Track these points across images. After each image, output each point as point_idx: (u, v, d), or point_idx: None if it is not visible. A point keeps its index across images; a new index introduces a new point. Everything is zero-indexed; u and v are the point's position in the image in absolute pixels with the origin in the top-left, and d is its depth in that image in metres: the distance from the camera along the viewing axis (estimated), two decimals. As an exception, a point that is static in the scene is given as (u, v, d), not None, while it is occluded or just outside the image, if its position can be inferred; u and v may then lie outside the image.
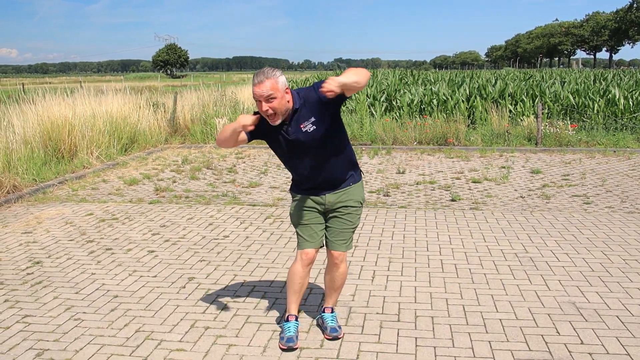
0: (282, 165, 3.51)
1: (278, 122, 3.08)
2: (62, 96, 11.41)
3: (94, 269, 4.93)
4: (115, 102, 12.09)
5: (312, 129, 3.11)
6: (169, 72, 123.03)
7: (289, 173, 3.47)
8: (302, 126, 3.11)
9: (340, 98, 3.04)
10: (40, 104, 10.74)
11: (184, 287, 4.48)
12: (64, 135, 9.84)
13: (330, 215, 3.43)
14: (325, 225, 3.47)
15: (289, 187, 3.54)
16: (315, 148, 3.16)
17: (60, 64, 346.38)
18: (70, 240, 5.79)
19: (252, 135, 3.23)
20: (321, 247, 3.48)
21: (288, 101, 3.07)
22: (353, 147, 3.51)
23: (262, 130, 3.19)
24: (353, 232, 3.50)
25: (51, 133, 9.82)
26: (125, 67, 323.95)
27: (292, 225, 3.56)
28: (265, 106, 3.00)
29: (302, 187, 3.39)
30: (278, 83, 3.02)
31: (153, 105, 13.68)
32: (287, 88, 3.08)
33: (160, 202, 7.38)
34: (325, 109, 3.10)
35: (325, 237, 3.48)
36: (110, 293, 4.37)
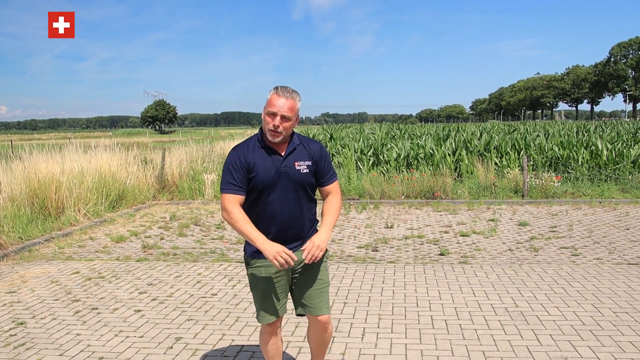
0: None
1: (278, 140, 2.98)
2: (50, 153, 11.44)
3: (79, 329, 4.83)
4: (104, 158, 12.12)
5: (304, 170, 3.06)
6: (157, 127, 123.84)
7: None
8: (296, 164, 3.04)
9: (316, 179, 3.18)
10: (28, 160, 10.75)
11: (171, 347, 4.40)
12: (51, 193, 9.79)
13: (299, 276, 3.19)
14: (293, 289, 3.24)
15: (245, 247, 3.21)
16: (297, 189, 3.07)
17: (49, 120, 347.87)
18: (56, 299, 5.69)
19: (245, 187, 3.04)
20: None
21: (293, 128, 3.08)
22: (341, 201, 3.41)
23: (249, 168, 3.01)
24: (328, 291, 3.28)
25: (38, 190, 9.78)
26: (114, 122, 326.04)
27: (252, 292, 3.25)
28: (277, 121, 2.93)
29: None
30: (296, 107, 2.99)
31: (141, 162, 13.72)
32: (298, 116, 3.08)
33: (147, 259, 7.31)
34: (315, 165, 3.12)
35: (300, 302, 3.23)
36: (96, 354, 4.28)
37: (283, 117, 2.94)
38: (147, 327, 4.87)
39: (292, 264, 2.89)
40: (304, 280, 3.17)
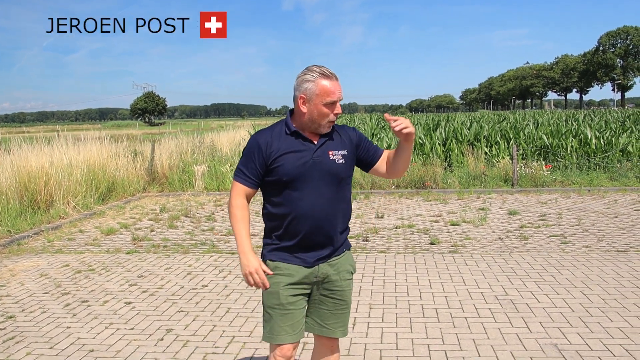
0: (260, 212, 2.92)
1: (329, 130, 2.65)
2: (39, 146, 11.36)
3: (69, 322, 4.81)
4: (93, 150, 12.04)
5: (340, 161, 2.65)
6: (147, 120, 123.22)
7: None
8: (330, 153, 2.63)
9: (359, 161, 2.81)
10: (17, 154, 10.67)
11: (162, 339, 4.39)
12: (40, 186, 9.73)
13: (320, 293, 2.74)
14: (309, 304, 2.78)
15: (263, 252, 2.75)
16: (332, 183, 2.63)
17: (37, 112, 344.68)
18: (45, 293, 5.66)
19: (257, 180, 2.65)
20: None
21: None
22: None
23: (270, 158, 2.58)
24: (349, 312, 2.86)
25: (28, 183, 9.71)
26: (103, 115, 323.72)
27: (264, 305, 2.71)
28: (340, 108, 2.60)
29: (290, 244, 2.63)
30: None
31: (131, 154, 13.65)
32: None
33: (137, 251, 7.28)
34: (353, 153, 2.75)
35: (312, 319, 2.79)
36: (86, 347, 4.26)
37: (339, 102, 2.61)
38: (138, 319, 4.85)
39: (264, 287, 2.61)
40: (326, 297, 2.75)
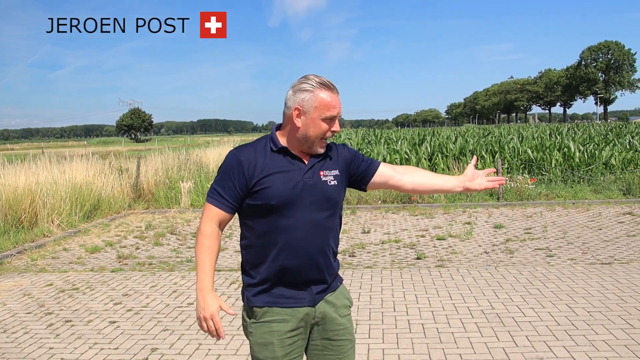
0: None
1: (324, 149, 2.32)
2: (24, 164, 11.27)
3: (52, 343, 4.75)
4: (78, 168, 11.97)
5: (332, 182, 2.31)
6: (133, 136, 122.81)
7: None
8: (321, 173, 2.29)
9: (352, 181, 2.48)
10: (1, 173, 10.58)
11: (147, 358, 4.34)
12: (24, 204, 9.63)
13: (321, 337, 2.37)
14: (307, 351, 2.41)
15: (246, 295, 2.33)
16: (325, 208, 2.29)
17: (22, 130, 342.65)
18: (28, 313, 5.59)
19: (234, 204, 2.28)
20: None
21: None
22: None
23: (253, 178, 2.22)
24: (354, 349, 2.49)
25: (11, 202, 9.62)
26: (88, 132, 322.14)
27: (254, 358, 2.31)
28: (336, 125, 2.27)
29: (279, 282, 2.26)
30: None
31: (117, 171, 13.57)
32: None
33: (122, 270, 7.22)
34: (346, 173, 2.42)
35: None
36: (69, 368, 4.21)
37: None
38: (122, 338, 4.80)
39: (217, 337, 2.24)
40: (326, 341, 2.38)
